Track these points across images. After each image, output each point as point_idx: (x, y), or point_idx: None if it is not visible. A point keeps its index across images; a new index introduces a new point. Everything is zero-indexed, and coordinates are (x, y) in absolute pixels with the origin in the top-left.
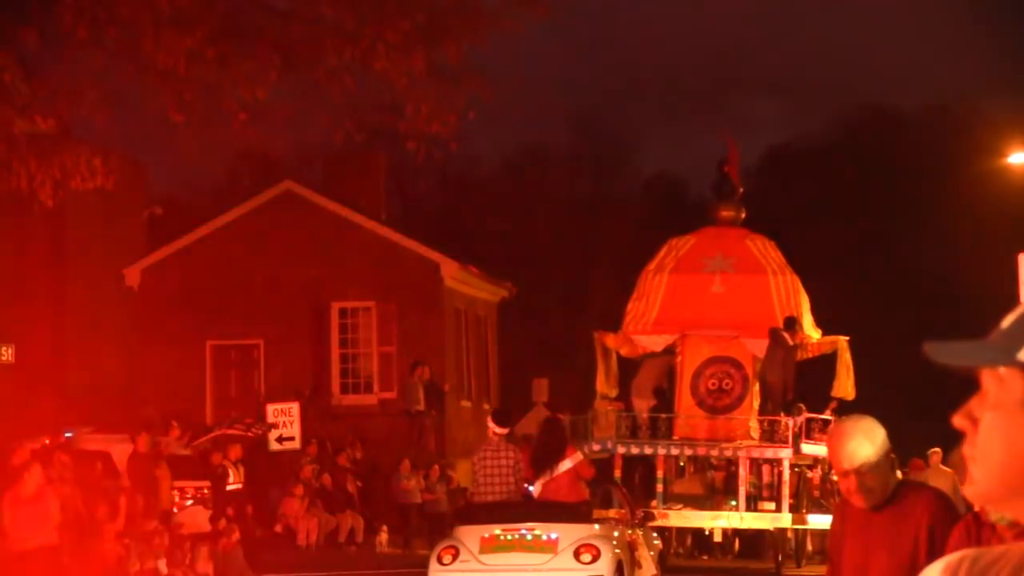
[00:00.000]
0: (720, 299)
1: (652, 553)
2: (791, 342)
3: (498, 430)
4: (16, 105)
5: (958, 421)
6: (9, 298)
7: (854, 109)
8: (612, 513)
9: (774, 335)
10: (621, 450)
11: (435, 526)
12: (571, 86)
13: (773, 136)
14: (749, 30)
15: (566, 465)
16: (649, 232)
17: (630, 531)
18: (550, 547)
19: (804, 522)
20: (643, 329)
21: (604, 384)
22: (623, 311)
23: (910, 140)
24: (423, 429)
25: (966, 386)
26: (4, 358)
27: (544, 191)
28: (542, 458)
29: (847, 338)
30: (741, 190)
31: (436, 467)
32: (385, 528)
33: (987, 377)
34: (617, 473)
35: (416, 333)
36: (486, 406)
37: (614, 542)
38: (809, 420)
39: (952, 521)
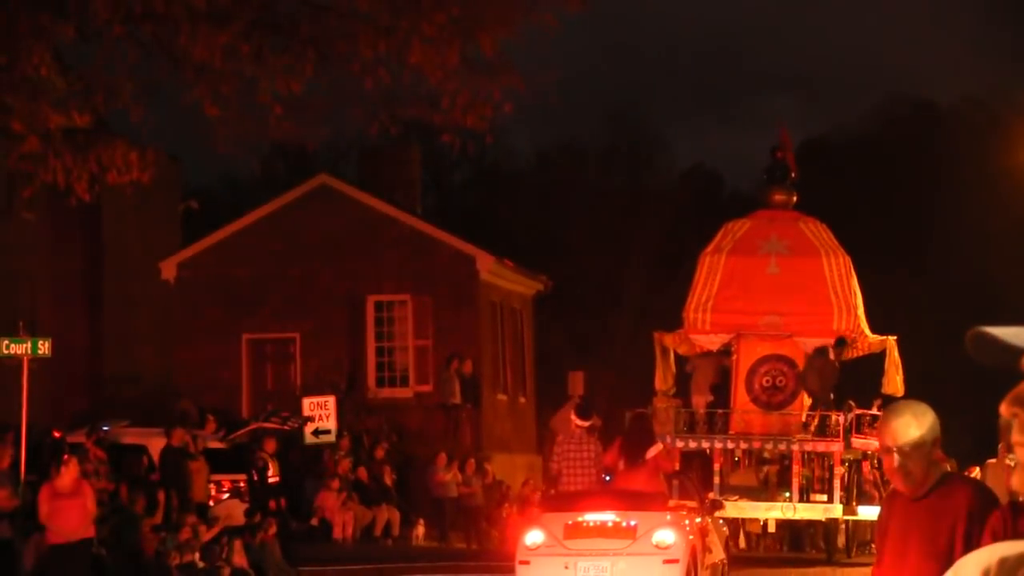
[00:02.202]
0: (776, 280)
1: (719, 540)
2: (832, 356)
3: (580, 423)
4: (52, 100)
5: (1006, 409)
6: (46, 292)
7: (889, 103)
8: (671, 504)
9: (819, 351)
10: (680, 444)
11: (471, 519)
12: (606, 79)
13: (808, 130)
14: (784, 24)
15: (650, 454)
16: (684, 226)
17: (698, 519)
18: (629, 533)
19: (855, 513)
20: (702, 327)
21: (662, 381)
22: (659, 304)
23: (945, 133)
24: (459, 422)
25: (1007, 379)
26: (41, 352)
27: (579, 184)
28: (630, 450)
29: (895, 337)
30: (793, 175)
31: (472, 460)
32: (421, 521)
33: None
34: (676, 466)
35: (451, 326)
36: (522, 399)
37: (687, 528)
38: (859, 416)
39: (992, 511)
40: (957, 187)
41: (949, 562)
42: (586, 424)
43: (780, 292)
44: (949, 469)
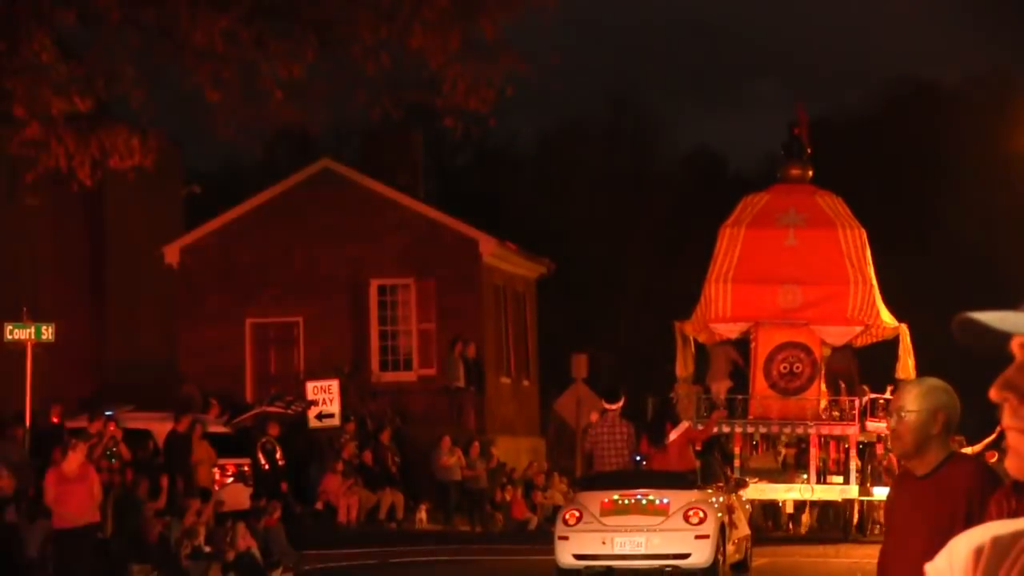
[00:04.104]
0: (794, 251)
1: (744, 517)
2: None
3: (609, 406)
4: (53, 85)
5: (995, 394)
6: (49, 277)
7: (891, 84)
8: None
9: (843, 347)
10: (723, 429)
11: (475, 502)
12: (608, 62)
13: (810, 113)
14: (786, 6)
15: (674, 435)
16: (687, 208)
17: (722, 497)
18: (662, 510)
19: (870, 494)
20: (723, 310)
21: (683, 369)
22: (661, 286)
23: (947, 114)
24: (462, 406)
25: (1002, 360)
26: (44, 337)
27: (582, 167)
28: (656, 433)
29: (905, 324)
30: (809, 150)
31: (476, 443)
32: (424, 505)
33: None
34: (698, 448)
35: (455, 310)
36: (526, 382)
37: (716, 506)
38: (873, 400)
39: (993, 492)
40: (960, 168)
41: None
42: (614, 407)
43: (798, 263)
44: (962, 449)
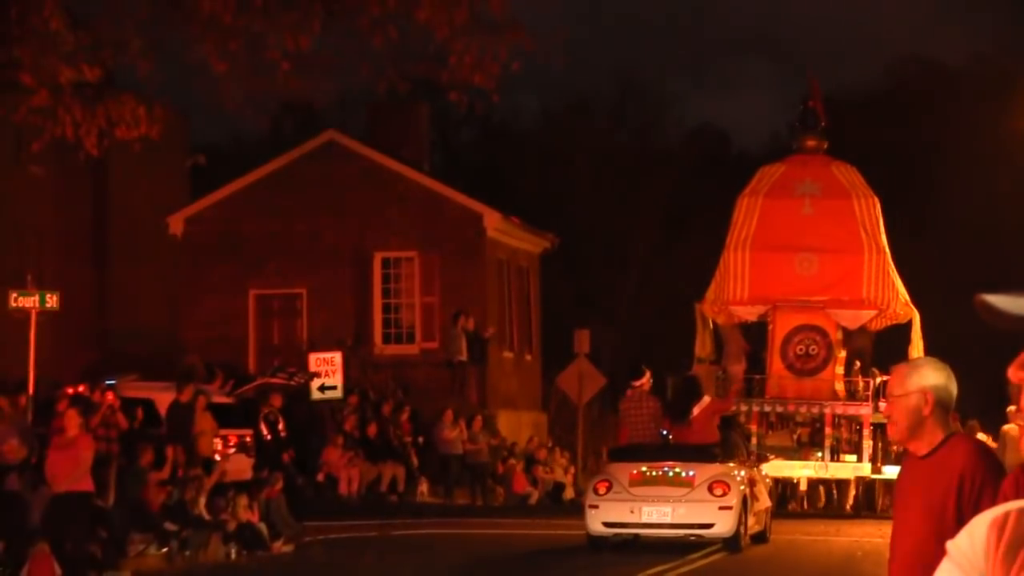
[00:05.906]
0: (810, 220)
1: (764, 489)
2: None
3: (634, 383)
4: (61, 54)
5: (1014, 373)
6: (54, 246)
7: (897, 63)
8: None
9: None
10: (743, 408)
11: (476, 476)
12: (613, 39)
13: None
14: None
15: (697, 411)
16: (691, 184)
17: (744, 471)
18: (688, 483)
19: (881, 472)
20: (739, 295)
21: (702, 349)
22: (664, 263)
23: (953, 92)
24: (465, 379)
25: (1013, 340)
26: (49, 305)
27: (586, 143)
28: (679, 409)
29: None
30: (823, 123)
31: (479, 418)
32: (425, 478)
33: None
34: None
35: (458, 283)
36: (528, 357)
37: (739, 479)
38: (885, 381)
39: (987, 472)
40: (966, 148)
41: (943, 520)
42: (638, 383)
43: (814, 232)
44: (969, 431)
